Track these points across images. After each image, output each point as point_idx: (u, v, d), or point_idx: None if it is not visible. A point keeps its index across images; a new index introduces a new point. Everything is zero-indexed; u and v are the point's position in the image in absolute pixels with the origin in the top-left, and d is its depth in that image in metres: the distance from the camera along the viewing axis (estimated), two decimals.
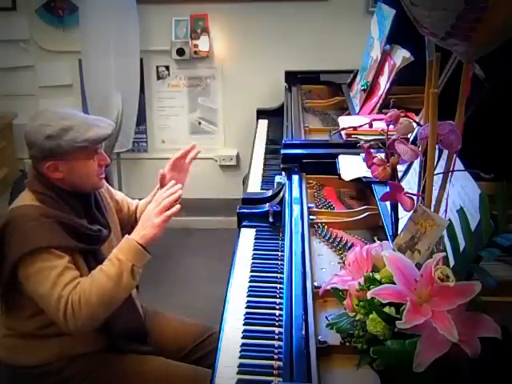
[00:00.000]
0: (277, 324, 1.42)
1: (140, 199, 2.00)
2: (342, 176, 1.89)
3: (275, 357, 1.31)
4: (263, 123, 3.16)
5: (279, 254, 1.73)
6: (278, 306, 1.49)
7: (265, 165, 2.56)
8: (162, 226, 1.59)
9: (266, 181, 2.37)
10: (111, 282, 1.53)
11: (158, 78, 3.82)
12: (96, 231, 1.66)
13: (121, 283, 1.54)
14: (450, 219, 0.99)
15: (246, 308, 1.50)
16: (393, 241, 1.12)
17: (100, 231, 1.67)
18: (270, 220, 1.89)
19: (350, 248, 1.58)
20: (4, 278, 1.56)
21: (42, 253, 1.53)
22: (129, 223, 1.93)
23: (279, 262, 1.68)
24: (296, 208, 1.77)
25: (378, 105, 2.37)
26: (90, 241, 1.63)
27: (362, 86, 2.54)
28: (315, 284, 1.40)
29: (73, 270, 1.56)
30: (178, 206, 1.60)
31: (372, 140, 1.16)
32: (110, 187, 1.91)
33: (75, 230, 1.60)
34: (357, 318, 0.95)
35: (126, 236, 1.61)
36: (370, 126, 1.19)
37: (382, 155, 1.12)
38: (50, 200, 1.61)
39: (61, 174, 1.61)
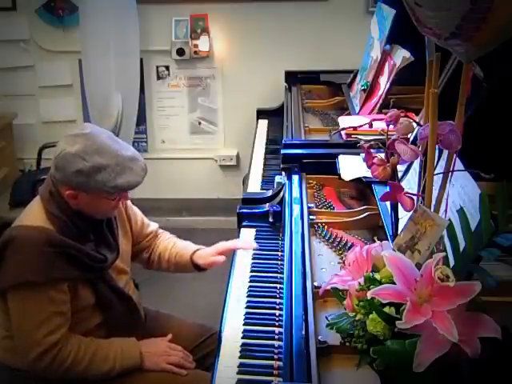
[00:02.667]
0: (277, 324, 1.42)
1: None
2: (342, 176, 1.89)
3: (275, 357, 1.31)
4: (263, 123, 3.16)
5: (279, 254, 1.73)
6: (277, 306, 1.49)
7: (265, 165, 2.56)
8: (161, 369, 1.65)
9: (266, 181, 2.37)
10: (100, 371, 1.59)
11: (158, 78, 3.82)
12: (100, 260, 1.63)
13: (105, 375, 1.60)
14: (450, 219, 0.99)
15: (246, 308, 1.51)
16: (393, 241, 1.12)
17: (105, 258, 1.64)
18: (270, 220, 1.89)
19: (350, 248, 1.59)
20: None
21: (36, 286, 1.51)
22: (138, 245, 1.88)
23: (279, 262, 1.68)
24: (296, 208, 1.78)
25: (378, 105, 2.37)
26: (93, 269, 1.61)
27: (362, 86, 2.54)
28: (315, 284, 1.40)
29: (60, 316, 1.55)
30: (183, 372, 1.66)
31: (372, 140, 1.16)
32: (129, 204, 1.84)
33: (78, 260, 1.57)
34: (357, 318, 0.95)
35: (137, 344, 1.66)
36: (370, 126, 1.19)
37: (382, 155, 1.12)
38: (61, 222, 1.57)
39: (79, 201, 1.57)
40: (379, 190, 1.65)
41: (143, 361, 1.63)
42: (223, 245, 1.77)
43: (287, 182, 1.97)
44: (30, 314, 1.53)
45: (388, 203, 1.35)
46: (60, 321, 1.55)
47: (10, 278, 1.52)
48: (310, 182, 2.03)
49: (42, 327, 1.52)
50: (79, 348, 1.57)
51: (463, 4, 0.86)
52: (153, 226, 1.91)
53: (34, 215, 1.59)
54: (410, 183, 1.40)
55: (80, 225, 1.60)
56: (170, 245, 1.87)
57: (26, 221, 1.59)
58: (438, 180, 1.04)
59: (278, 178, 2.05)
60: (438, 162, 1.08)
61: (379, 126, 1.17)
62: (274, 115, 3.18)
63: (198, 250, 1.81)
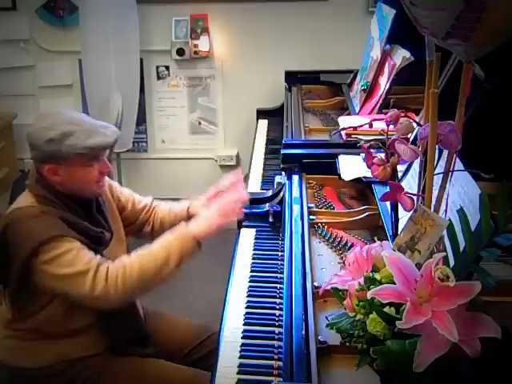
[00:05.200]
0: (277, 324, 1.42)
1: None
2: (342, 176, 1.89)
3: (275, 357, 1.31)
4: (263, 123, 3.16)
5: (279, 254, 1.73)
6: (278, 306, 1.49)
7: (265, 165, 2.56)
8: (222, 227, 1.61)
9: (266, 181, 2.37)
10: (156, 263, 1.53)
11: (158, 78, 3.82)
12: (98, 233, 1.66)
13: (165, 268, 1.54)
14: (450, 219, 0.99)
15: (246, 308, 1.51)
16: (393, 241, 1.12)
17: (102, 233, 1.67)
18: (270, 220, 1.89)
19: (349, 248, 1.59)
20: (16, 278, 1.55)
21: (52, 242, 1.52)
22: (134, 223, 1.90)
23: (279, 262, 1.68)
24: (296, 208, 1.78)
25: (378, 105, 2.37)
26: (92, 240, 1.62)
27: (362, 85, 2.54)
28: (315, 284, 1.40)
29: (89, 250, 1.55)
30: (242, 212, 1.64)
31: (372, 140, 1.16)
32: (114, 185, 1.87)
33: (78, 228, 1.59)
34: (357, 318, 0.95)
35: (184, 224, 1.61)
36: (370, 126, 1.19)
37: (382, 155, 1.13)
38: (51, 202, 1.60)
39: (60, 177, 1.60)
40: (379, 190, 1.65)
41: (198, 234, 1.58)
42: (211, 190, 1.83)
43: (287, 181, 1.97)
44: (59, 261, 1.51)
45: (388, 203, 1.35)
46: (90, 252, 1.55)
47: (26, 248, 1.51)
48: (310, 182, 2.02)
49: (76, 262, 1.51)
50: (126, 258, 1.55)
51: (457, 4, 0.87)
52: (146, 200, 1.93)
53: (22, 202, 1.62)
54: (410, 183, 1.40)
55: (70, 205, 1.62)
56: (166, 211, 1.90)
57: (15, 206, 1.62)
58: (437, 180, 1.04)
59: (278, 178, 2.05)
60: (437, 162, 1.08)
61: (379, 126, 1.17)
62: (274, 115, 3.18)
63: (191, 204, 1.88)
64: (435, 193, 1.03)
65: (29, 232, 1.53)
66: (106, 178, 1.80)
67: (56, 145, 1.55)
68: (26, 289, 1.59)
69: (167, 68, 3.79)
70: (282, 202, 1.91)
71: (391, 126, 1.11)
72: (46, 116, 1.62)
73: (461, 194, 1.12)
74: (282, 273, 1.61)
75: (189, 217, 1.81)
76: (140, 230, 1.91)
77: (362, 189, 1.93)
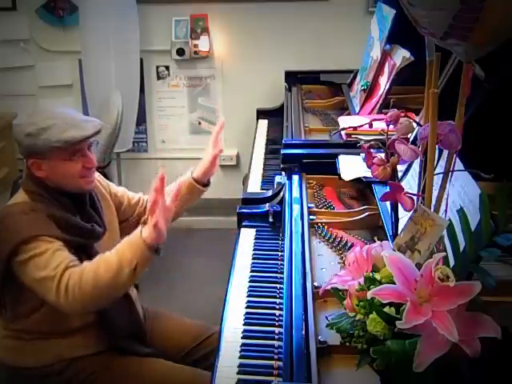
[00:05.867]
0: (277, 324, 1.42)
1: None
2: (342, 176, 1.89)
3: (275, 357, 1.31)
4: (263, 123, 3.16)
5: (279, 253, 1.73)
6: (278, 306, 1.49)
7: (265, 165, 2.56)
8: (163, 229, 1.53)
9: (266, 181, 2.37)
10: (109, 270, 1.48)
11: (158, 78, 3.82)
12: (88, 227, 1.65)
13: (118, 275, 1.48)
14: (450, 219, 0.99)
15: (246, 308, 1.50)
16: (393, 241, 1.12)
17: (93, 227, 1.66)
18: (270, 220, 1.89)
19: (349, 248, 1.58)
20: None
21: (31, 242, 1.52)
22: (131, 216, 1.91)
23: (279, 262, 1.68)
24: (296, 208, 1.77)
25: (378, 105, 2.37)
26: (81, 235, 1.62)
27: (362, 86, 2.54)
28: (315, 284, 1.40)
29: (64, 251, 1.54)
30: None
31: (372, 140, 1.16)
32: (109, 183, 1.89)
33: (66, 224, 1.59)
34: (357, 318, 0.95)
35: (137, 231, 1.54)
36: (370, 126, 1.19)
37: (382, 155, 1.13)
38: (41, 198, 1.61)
39: (44, 172, 1.61)
40: (379, 190, 1.64)
41: (147, 237, 1.50)
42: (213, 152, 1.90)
43: (287, 181, 1.97)
44: (36, 263, 1.51)
45: (388, 203, 1.35)
46: (65, 254, 1.53)
47: (7, 246, 1.52)
48: (310, 182, 2.02)
49: (47, 265, 1.50)
50: (85, 265, 1.52)
51: (454, 4, 0.86)
52: (139, 194, 1.96)
53: (14, 199, 1.65)
54: (410, 183, 1.40)
55: (61, 200, 1.63)
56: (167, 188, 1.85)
57: (8, 202, 1.64)
58: (437, 180, 1.04)
59: (278, 178, 2.05)
60: (437, 162, 1.08)
61: (379, 126, 1.17)
62: (273, 115, 3.18)
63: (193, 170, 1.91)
64: (435, 193, 1.03)
65: (12, 229, 1.55)
66: (102, 177, 1.81)
67: (33, 139, 1.56)
68: (11, 287, 1.60)
69: (167, 68, 3.79)
70: (282, 202, 1.91)
71: (391, 126, 1.11)
72: (33, 112, 1.65)
73: (461, 193, 1.12)
74: (282, 273, 1.61)
75: (197, 181, 1.89)
76: (137, 223, 1.89)
77: (361, 189, 1.92)
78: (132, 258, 1.48)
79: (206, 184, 1.94)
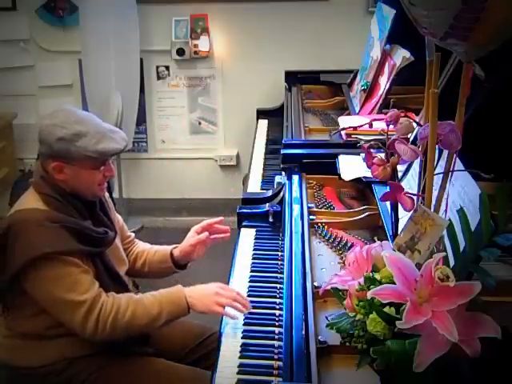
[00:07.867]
0: (277, 324, 1.42)
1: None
2: (342, 176, 1.89)
3: (275, 357, 1.31)
4: (263, 123, 3.16)
5: (279, 254, 1.73)
6: (277, 306, 1.49)
7: (265, 165, 2.56)
8: (212, 312, 1.57)
9: (266, 181, 2.37)
10: (147, 317, 1.56)
11: (158, 78, 3.82)
12: (101, 233, 1.65)
13: (153, 323, 1.58)
14: (450, 219, 0.99)
15: None
16: (393, 241, 1.12)
17: (106, 233, 1.67)
18: (270, 220, 1.89)
19: (349, 248, 1.58)
20: (6, 281, 1.56)
21: (51, 259, 1.52)
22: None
23: (279, 262, 1.68)
24: (296, 208, 1.78)
25: (378, 105, 2.37)
26: (95, 243, 1.63)
27: (362, 86, 2.54)
28: (315, 284, 1.40)
29: (89, 275, 1.57)
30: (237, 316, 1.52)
31: (372, 140, 1.16)
32: (111, 207, 1.87)
33: (80, 234, 1.59)
34: (357, 318, 0.95)
35: (181, 288, 1.63)
36: (370, 126, 1.19)
37: (382, 155, 1.12)
38: (56, 202, 1.60)
39: (64, 176, 1.60)
40: (379, 190, 1.64)
41: (192, 305, 1.60)
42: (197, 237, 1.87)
43: (287, 181, 1.97)
44: (57, 283, 1.52)
45: (388, 203, 1.35)
46: (90, 278, 1.56)
47: (21, 258, 1.52)
48: (310, 182, 2.02)
49: (75, 289, 1.52)
50: (120, 300, 1.56)
51: (455, 4, 0.87)
52: (130, 232, 1.96)
53: (27, 201, 1.62)
54: (410, 183, 1.40)
55: (75, 204, 1.62)
56: (148, 246, 1.92)
57: (19, 207, 1.61)
58: (437, 180, 1.04)
59: (278, 178, 2.05)
60: (437, 162, 1.08)
61: (379, 126, 1.17)
62: (274, 115, 3.18)
63: (176, 247, 1.88)
64: (435, 193, 1.03)
65: (26, 242, 1.53)
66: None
67: (66, 144, 1.55)
68: (16, 293, 1.59)
69: (167, 68, 3.79)
70: (282, 202, 1.91)
71: (391, 126, 1.11)
72: (56, 113, 1.61)
73: (461, 193, 1.12)
74: (282, 273, 1.61)
75: (172, 258, 1.86)
76: None
77: (361, 189, 1.93)
78: (171, 312, 1.59)
79: (182, 267, 1.90)
